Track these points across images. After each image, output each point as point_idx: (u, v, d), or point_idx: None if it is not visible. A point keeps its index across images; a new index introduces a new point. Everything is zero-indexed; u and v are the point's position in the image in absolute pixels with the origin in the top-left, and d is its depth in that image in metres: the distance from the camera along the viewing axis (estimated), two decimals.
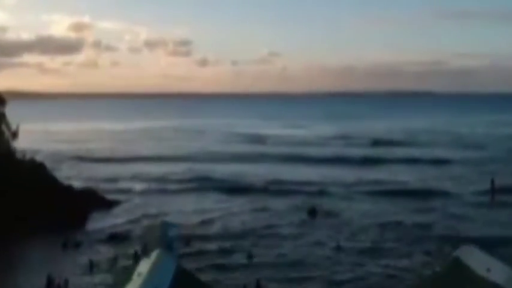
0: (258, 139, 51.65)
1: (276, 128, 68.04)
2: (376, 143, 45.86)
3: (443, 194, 23.05)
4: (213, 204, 23.14)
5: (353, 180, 26.88)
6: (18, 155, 24.43)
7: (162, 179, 28.82)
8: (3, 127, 24.12)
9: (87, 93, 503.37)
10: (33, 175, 23.91)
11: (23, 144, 24.11)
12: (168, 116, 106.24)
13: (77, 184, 25.60)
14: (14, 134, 24.14)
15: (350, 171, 30.32)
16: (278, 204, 22.65)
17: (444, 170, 30.10)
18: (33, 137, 44.42)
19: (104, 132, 60.94)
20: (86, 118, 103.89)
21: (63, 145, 44.57)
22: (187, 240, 19.00)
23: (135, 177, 29.62)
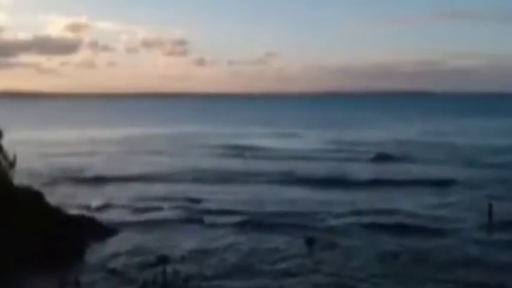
0: (245, 152, 48.92)
1: (266, 137, 64.58)
2: (379, 157, 43.36)
3: (440, 231, 22.57)
4: (205, 240, 22.27)
5: (350, 209, 26.35)
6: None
7: (150, 205, 27.87)
8: (0, 157, 23.80)
9: (84, 93, 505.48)
10: (30, 206, 23.62)
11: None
12: (161, 121, 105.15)
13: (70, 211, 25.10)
14: (11, 164, 23.83)
15: (348, 196, 29.66)
16: (270, 238, 21.97)
17: (442, 195, 29.70)
18: (23, 150, 43.59)
19: (94, 142, 59.72)
20: (80, 123, 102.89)
21: (54, 159, 43.09)
22: (186, 279, 18.81)
23: (130, 200, 29.03)
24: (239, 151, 49.74)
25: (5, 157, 23.22)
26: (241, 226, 22.85)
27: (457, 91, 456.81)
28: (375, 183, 32.19)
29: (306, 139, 63.63)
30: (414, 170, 37.36)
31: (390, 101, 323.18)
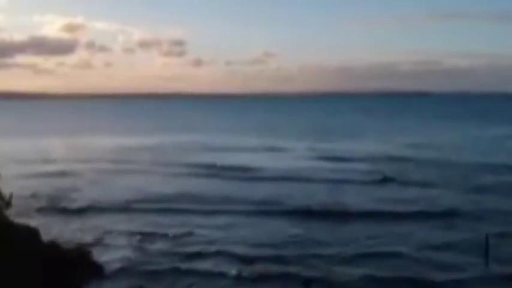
0: (228, 173, 44.65)
1: (252, 152, 60.28)
2: (376, 180, 40.60)
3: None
4: None
5: (350, 253, 24.35)
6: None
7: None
8: None
9: (80, 94, 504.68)
10: (26, 244, 22.11)
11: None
12: (145, 128, 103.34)
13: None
14: (8, 204, 22.79)
15: (345, 233, 27.71)
16: None
17: (445, 230, 27.87)
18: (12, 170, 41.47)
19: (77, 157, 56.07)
20: (72, 130, 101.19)
21: (39, 182, 41.04)
22: None
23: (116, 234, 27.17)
24: (217, 171, 46.34)
25: (2, 197, 22.37)
26: (221, 277, 20.83)
27: (454, 91, 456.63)
28: (372, 215, 30.27)
29: (297, 153, 59.61)
30: (414, 196, 35.42)
31: (387, 102, 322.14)
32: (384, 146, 66.38)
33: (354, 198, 34.57)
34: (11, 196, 21.53)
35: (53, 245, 21.96)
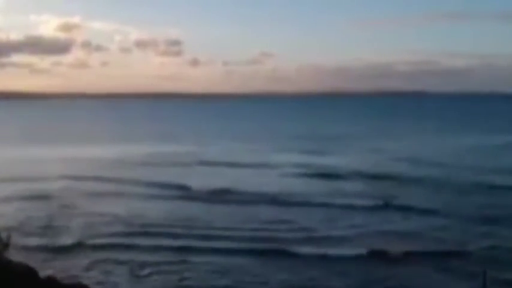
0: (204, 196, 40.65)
1: (234, 168, 54.93)
2: (387, 205, 37.32)
3: None
4: None
5: None
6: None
7: None
8: None
9: (77, 93, 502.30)
10: (24, 284, 20.19)
11: None
12: (142, 134, 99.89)
13: None
14: (6, 245, 21.17)
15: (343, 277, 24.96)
16: None
17: (446, 273, 25.12)
18: None
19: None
20: (57, 136, 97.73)
21: (14, 207, 37.76)
22: None
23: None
24: (190, 193, 41.93)
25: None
26: None
27: (451, 91, 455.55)
28: (373, 256, 27.47)
29: (284, 170, 53.88)
30: (417, 228, 32.46)
31: (384, 102, 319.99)
32: (380, 157, 63.35)
33: (354, 232, 31.80)
34: (9, 237, 20.32)
35: (50, 280, 20.71)
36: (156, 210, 36.85)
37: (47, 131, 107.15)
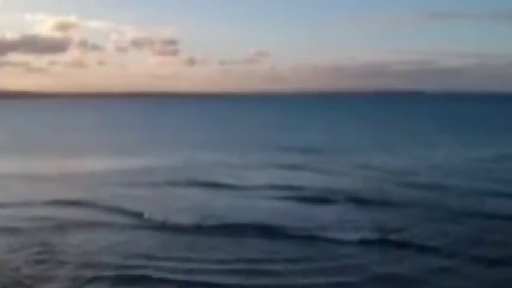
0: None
1: (209, 188, 46.76)
2: (382, 241, 31.13)
3: None
4: None
5: None
6: None
7: None
8: None
9: (73, 93, 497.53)
10: None
11: None
12: (133, 142, 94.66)
13: None
14: None
15: None
16: None
17: None
18: None
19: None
20: (44, 145, 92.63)
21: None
22: None
23: None
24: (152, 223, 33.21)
25: None
26: None
27: (447, 90, 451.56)
28: None
29: (260, 193, 44.90)
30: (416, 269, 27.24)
31: (380, 102, 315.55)
32: (373, 174, 57.66)
33: (341, 280, 26.23)
34: None
35: None
36: (101, 243, 30.53)
37: (33, 140, 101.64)
